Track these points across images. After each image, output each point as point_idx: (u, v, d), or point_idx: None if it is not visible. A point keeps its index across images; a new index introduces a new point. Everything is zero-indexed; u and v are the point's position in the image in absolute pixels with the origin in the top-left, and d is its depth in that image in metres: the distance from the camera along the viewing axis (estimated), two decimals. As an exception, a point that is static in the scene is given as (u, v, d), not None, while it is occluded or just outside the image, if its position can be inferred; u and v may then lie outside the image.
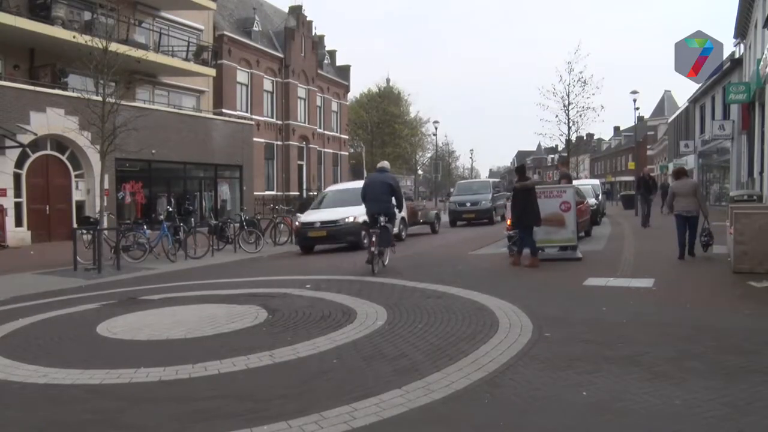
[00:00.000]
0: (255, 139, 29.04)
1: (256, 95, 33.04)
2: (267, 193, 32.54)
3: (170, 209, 17.57)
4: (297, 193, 35.96)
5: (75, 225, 16.06)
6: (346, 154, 46.28)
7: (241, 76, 31.84)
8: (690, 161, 38.40)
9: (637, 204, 22.27)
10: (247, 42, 31.84)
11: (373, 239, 10.13)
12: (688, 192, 10.66)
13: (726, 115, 28.80)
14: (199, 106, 27.18)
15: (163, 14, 25.13)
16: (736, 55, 27.89)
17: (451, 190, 32.00)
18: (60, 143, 18.57)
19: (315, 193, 37.80)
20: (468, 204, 23.60)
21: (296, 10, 37.27)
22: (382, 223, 10.37)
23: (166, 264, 12.73)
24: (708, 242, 10.83)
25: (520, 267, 10.33)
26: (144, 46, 21.44)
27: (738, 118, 25.90)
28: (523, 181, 10.73)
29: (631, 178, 57.51)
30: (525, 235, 10.52)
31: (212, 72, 26.30)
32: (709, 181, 35.13)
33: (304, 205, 31.20)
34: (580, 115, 32.04)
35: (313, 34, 39.54)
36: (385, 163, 11.35)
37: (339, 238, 15.01)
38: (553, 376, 4.36)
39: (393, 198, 10.66)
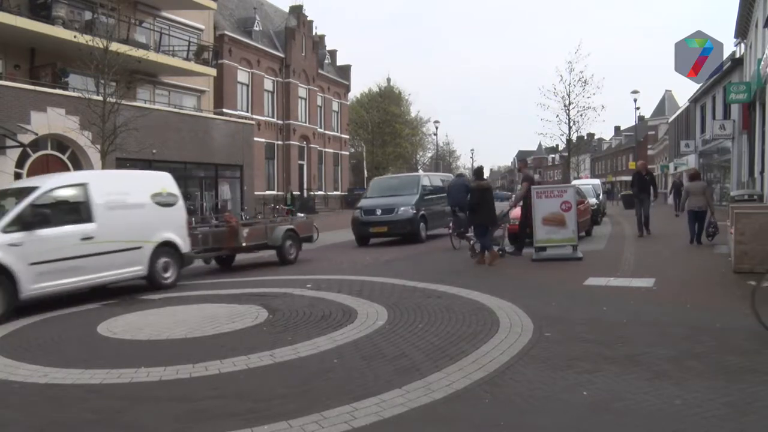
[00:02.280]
0: (255, 138, 29.05)
1: (256, 95, 33.06)
2: (267, 192, 32.58)
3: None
4: (297, 192, 35.99)
5: None
6: (347, 153, 46.31)
7: (242, 76, 31.86)
8: (690, 161, 38.38)
9: (637, 204, 19.24)
10: (247, 42, 31.86)
11: (451, 224, 13.63)
12: (699, 191, 12.52)
13: (726, 114, 28.80)
14: (199, 106, 27.18)
15: (164, 14, 25.14)
16: (737, 55, 27.89)
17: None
18: (61, 143, 18.56)
19: (315, 193, 37.94)
20: (378, 212, 15.93)
21: (297, 10, 37.30)
22: (459, 214, 13.01)
23: (167, 264, 12.71)
24: (714, 232, 12.51)
25: (486, 265, 10.63)
26: (145, 46, 21.44)
27: (738, 118, 25.90)
28: (479, 182, 11.43)
29: (631, 178, 57.43)
30: (479, 234, 11.13)
31: (213, 72, 26.30)
32: (710, 181, 35.11)
33: (304, 205, 31.30)
34: (581, 115, 32.01)
35: (314, 33, 39.56)
36: (463, 171, 15.33)
37: None
38: (554, 376, 4.37)
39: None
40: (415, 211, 15.97)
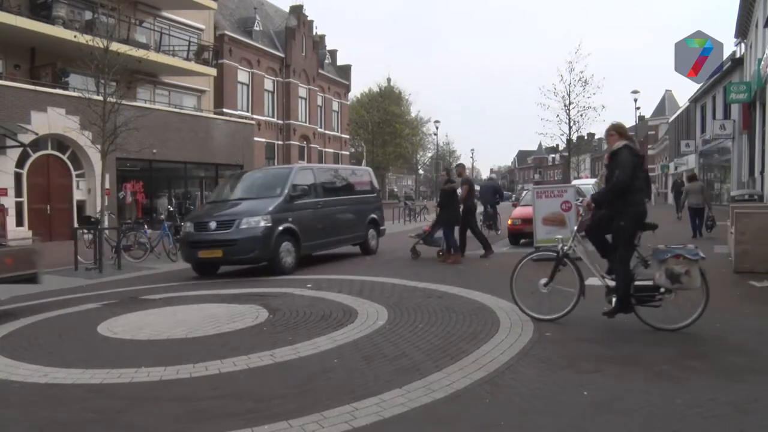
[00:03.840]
0: (256, 138, 29.06)
1: (256, 95, 33.06)
2: (268, 192, 32.53)
3: (171, 209, 17.58)
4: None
5: (76, 224, 16.06)
6: (347, 153, 46.31)
7: (242, 76, 31.86)
8: (691, 161, 38.35)
9: None
10: (247, 41, 31.86)
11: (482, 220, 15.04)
12: (697, 191, 14.73)
13: (727, 114, 28.80)
14: (199, 106, 27.19)
15: (164, 14, 25.15)
16: (737, 55, 27.89)
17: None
18: (61, 143, 18.58)
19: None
20: (212, 225, 10.47)
21: (297, 10, 37.30)
22: (489, 210, 16.42)
23: (167, 263, 12.72)
24: (712, 225, 14.72)
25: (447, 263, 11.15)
26: (145, 46, 21.46)
27: (739, 118, 25.90)
28: (450, 184, 11.85)
29: None
30: (446, 234, 11.53)
31: (213, 72, 26.32)
32: (710, 181, 35.09)
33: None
34: (581, 115, 32.03)
35: (314, 33, 39.56)
36: (493, 175, 16.21)
37: None
38: (554, 376, 4.37)
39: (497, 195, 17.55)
40: (269, 225, 10.21)
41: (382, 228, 14.15)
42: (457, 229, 11.81)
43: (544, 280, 6.03)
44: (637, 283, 5.62)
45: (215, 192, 13.52)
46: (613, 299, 5.72)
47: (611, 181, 5.71)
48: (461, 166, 13.83)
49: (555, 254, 6.08)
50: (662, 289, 5.47)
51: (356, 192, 13.40)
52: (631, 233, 5.67)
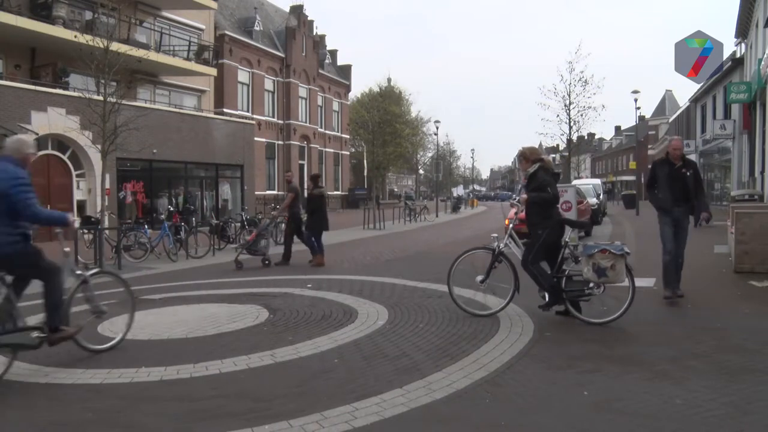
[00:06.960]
0: (256, 138, 29.06)
1: (257, 95, 33.06)
2: (268, 192, 32.56)
3: (171, 209, 17.59)
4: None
5: (76, 224, 16.04)
6: (347, 153, 46.32)
7: (242, 76, 31.86)
8: (691, 161, 38.24)
9: (662, 226, 7.66)
10: (248, 41, 31.86)
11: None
12: None
13: (727, 114, 28.80)
14: (200, 106, 27.19)
15: (164, 14, 25.16)
16: (737, 55, 27.89)
17: None
18: (61, 143, 18.58)
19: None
20: None
21: (297, 10, 37.31)
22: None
23: (167, 263, 12.72)
24: (708, 218, 16.30)
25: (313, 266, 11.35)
26: (145, 46, 21.46)
27: (739, 118, 25.91)
28: (319, 188, 11.95)
29: (631, 178, 57.20)
30: (314, 236, 11.65)
31: (213, 71, 26.31)
32: (710, 181, 35.05)
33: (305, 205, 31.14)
34: (581, 115, 31.96)
35: (314, 33, 39.57)
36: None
37: None
38: (554, 376, 4.37)
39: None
40: None
41: None
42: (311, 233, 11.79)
43: (480, 277, 6.29)
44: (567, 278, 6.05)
45: None
46: (546, 294, 6.12)
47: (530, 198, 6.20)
48: (290, 173, 14.15)
49: (491, 251, 6.32)
50: (591, 284, 5.84)
51: None
52: (546, 241, 6.12)
